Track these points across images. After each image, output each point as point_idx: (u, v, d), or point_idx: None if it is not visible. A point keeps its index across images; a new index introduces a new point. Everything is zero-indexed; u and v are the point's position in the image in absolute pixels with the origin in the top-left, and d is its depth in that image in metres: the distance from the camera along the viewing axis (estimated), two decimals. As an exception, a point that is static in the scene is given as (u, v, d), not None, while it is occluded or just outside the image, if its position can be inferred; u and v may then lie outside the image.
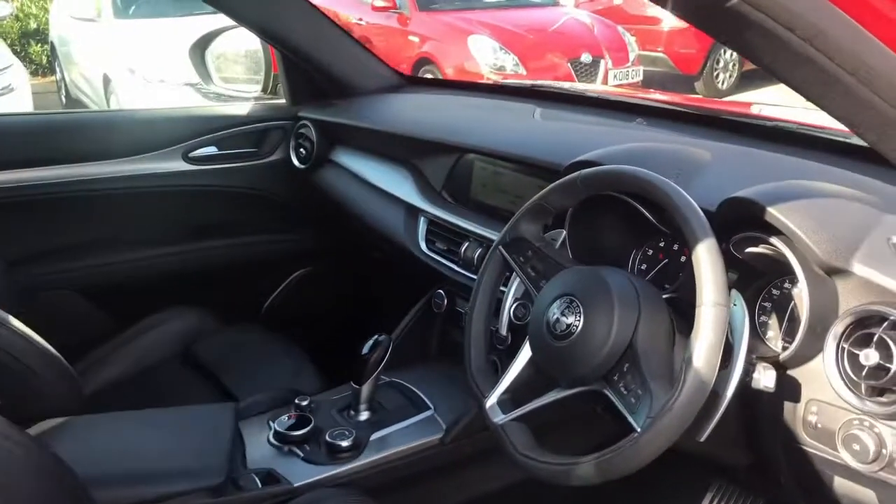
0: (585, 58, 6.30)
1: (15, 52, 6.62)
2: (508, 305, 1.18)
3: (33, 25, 9.07)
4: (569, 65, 6.30)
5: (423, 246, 1.52)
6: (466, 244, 1.40)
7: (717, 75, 7.28)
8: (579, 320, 0.93)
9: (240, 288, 2.01)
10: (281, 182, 1.97)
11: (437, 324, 1.56)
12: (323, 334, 2.10)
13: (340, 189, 1.81)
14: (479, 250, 1.37)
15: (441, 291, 1.51)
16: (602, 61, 6.36)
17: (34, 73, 8.50)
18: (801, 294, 0.90)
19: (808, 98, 0.71)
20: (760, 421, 0.98)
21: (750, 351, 0.89)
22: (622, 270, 1.03)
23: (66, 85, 6.99)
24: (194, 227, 1.93)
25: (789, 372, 0.92)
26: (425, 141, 1.55)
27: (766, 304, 1.00)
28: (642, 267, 1.16)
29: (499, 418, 1.03)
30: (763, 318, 1.00)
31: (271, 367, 1.60)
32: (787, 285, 0.98)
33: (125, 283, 1.82)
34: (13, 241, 1.65)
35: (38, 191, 1.66)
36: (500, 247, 1.12)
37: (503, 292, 1.18)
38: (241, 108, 1.94)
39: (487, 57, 6.32)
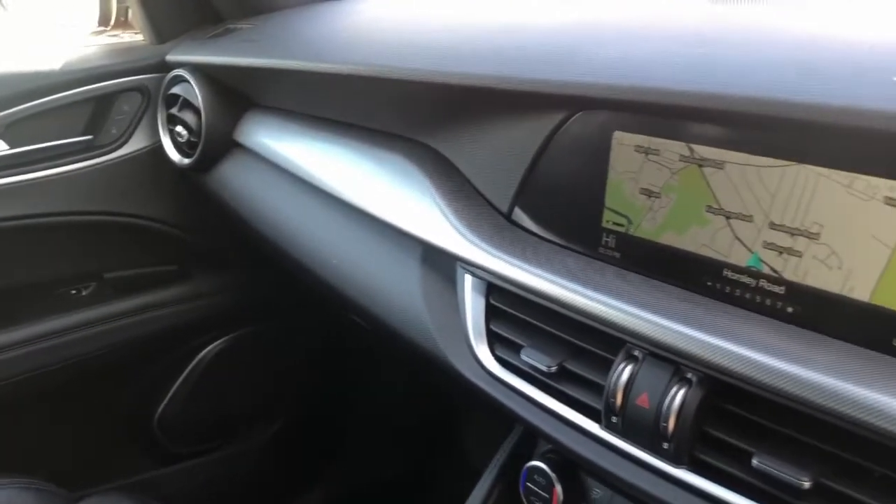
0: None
1: None
2: None
3: None
4: None
5: (479, 353, 0.59)
6: (623, 365, 0.48)
7: None
8: None
9: (91, 411, 1.07)
10: (147, 195, 1.02)
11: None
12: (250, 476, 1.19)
13: (258, 206, 0.87)
14: (678, 391, 0.44)
15: (541, 466, 0.59)
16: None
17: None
18: None
19: None
20: None
21: None
22: None
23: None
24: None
25: None
26: (469, 87, 0.59)
27: None
28: None
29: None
30: None
31: None
32: None
33: None
34: None
35: None
36: None
37: None
38: (54, 60, 0.97)
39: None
